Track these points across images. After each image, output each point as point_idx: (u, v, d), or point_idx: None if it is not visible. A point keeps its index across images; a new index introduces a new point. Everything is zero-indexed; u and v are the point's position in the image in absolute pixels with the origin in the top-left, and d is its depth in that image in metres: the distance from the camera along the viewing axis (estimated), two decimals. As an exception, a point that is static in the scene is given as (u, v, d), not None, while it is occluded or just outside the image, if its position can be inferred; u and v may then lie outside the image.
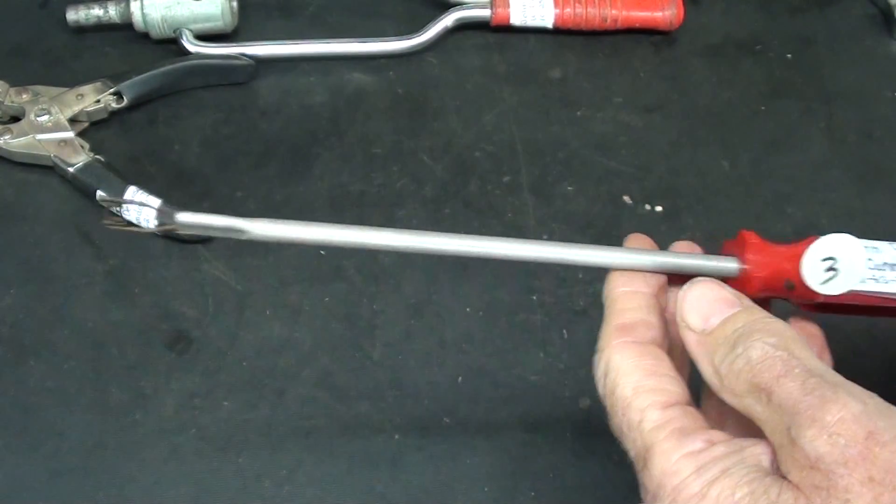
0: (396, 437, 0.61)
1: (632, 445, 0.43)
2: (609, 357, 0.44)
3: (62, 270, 0.68)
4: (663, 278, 0.47)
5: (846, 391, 0.38)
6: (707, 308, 0.44)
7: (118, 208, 0.55)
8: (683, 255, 0.48)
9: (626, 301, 0.46)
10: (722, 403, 0.45)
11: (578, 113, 0.78)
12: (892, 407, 0.38)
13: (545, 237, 0.70)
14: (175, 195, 0.69)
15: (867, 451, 0.37)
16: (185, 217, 0.44)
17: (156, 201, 0.68)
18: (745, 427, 0.45)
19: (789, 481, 0.39)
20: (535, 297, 0.67)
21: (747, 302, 0.44)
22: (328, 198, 0.72)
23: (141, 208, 0.68)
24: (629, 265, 0.47)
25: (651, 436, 0.42)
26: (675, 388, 0.43)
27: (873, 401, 0.38)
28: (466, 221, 0.71)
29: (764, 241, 0.48)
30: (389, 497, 0.59)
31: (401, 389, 0.63)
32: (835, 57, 0.83)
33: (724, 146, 0.77)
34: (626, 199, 0.73)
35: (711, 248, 0.72)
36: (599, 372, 0.45)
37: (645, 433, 0.42)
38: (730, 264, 0.48)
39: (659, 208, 0.72)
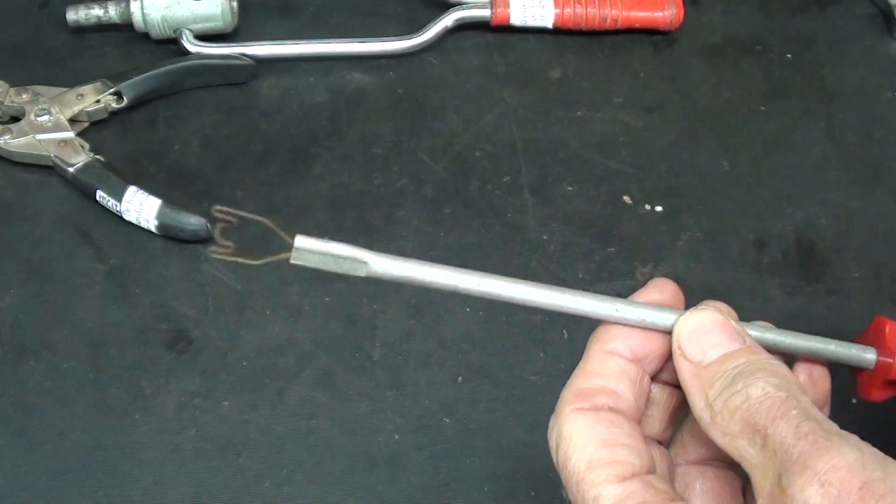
0: (396, 437, 0.61)
1: None
2: (561, 426, 0.41)
3: (62, 270, 0.68)
4: (660, 346, 0.43)
5: (841, 438, 0.36)
6: (707, 339, 0.41)
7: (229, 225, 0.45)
8: (812, 339, 0.45)
9: (597, 363, 0.43)
10: (698, 442, 0.44)
11: (578, 113, 0.78)
12: (888, 458, 0.36)
13: (545, 238, 0.70)
14: (175, 195, 0.69)
15: (861, 503, 0.34)
16: (302, 242, 0.40)
17: (156, 202, 0.68)
18: (716, 475, 0.44)
19: None
20: (535, 297, 0.67)
21: (751, 340, 0.41)
22: (328, 198, 0.72)
23: (141, 208, 0.68)
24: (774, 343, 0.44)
25: None
26: (633, 458, 0.40)
27: (869, 450, 0.36)
28: (466, 221, 0.71)
29: None
30: (389, 497, 0.59)
31: (401, 389, 0.63)
32: (835, 57, 0.83)
33: (724, 146, 0.77)
34: (626, 199, 0.73)
35: (712, 252, 0.72)
36: (552, 441, 0.42)
37: None
38: (867, 355, 0.46)
39: (659, 208, 0.72)
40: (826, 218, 0.72)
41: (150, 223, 0.68)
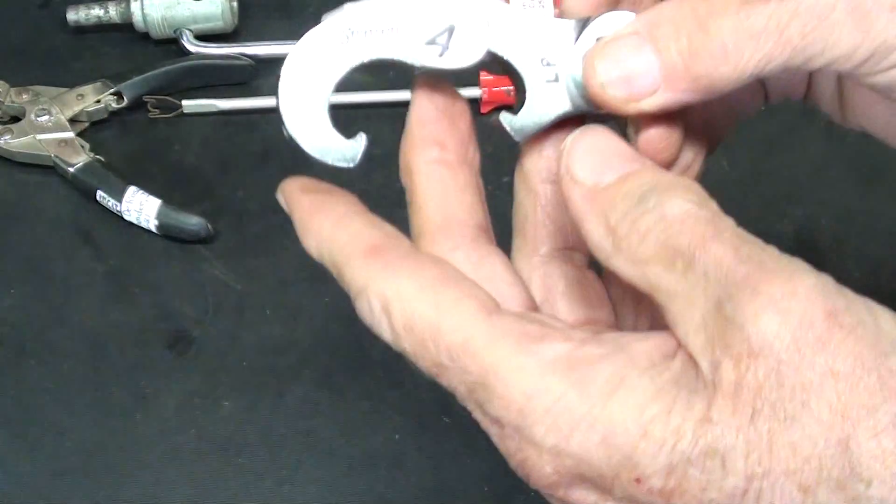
0: (396, 437, 0.61)
1: (460, 378, 0.32)
2: (380, 292, 0.33)
3: (62, 270, 0.68)
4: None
5: (790, 262, 0.30)
6: (602, 160, 0.33)
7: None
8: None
9: (342, 215, 0.37)
10: (551, 232, 0.38)
11: (578, 113, 0.78)
12: (845, 288, 0.31)
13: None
14: (175, 195, 0.69)
15: (828, 335, 0.28)
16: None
17: (156, 201, 0.68)
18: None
19: (714, 385, 0.29)
20: (535, 297, 0.67)
21: (650, 163, 0.34)
22: (328, 198, 0.72)
23: (141, 208, 0.68)
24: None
25: (490, 352, 0.31)
26: (482, 292, 0.33)
27: (826, 276, 0.31)
28: (466, 221, 0.71)
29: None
30: (389, 497, 0.59)
31: (401, 389, 0.63)
32: (835, 57, 0.83)
33: (724, 146, 0.76)
34: (626, 199, 0.73)
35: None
36: (375, 316, 0.34)
37: (479, 352, 0.31)
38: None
39: (659, 208, 0.72)
40: (826, 218, 0.72)
41: (150, 223, 0.68)
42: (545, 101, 0.37)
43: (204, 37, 0.79)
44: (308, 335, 0.65)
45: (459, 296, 0.32)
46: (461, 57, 0.38)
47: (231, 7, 0.79)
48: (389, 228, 0.37)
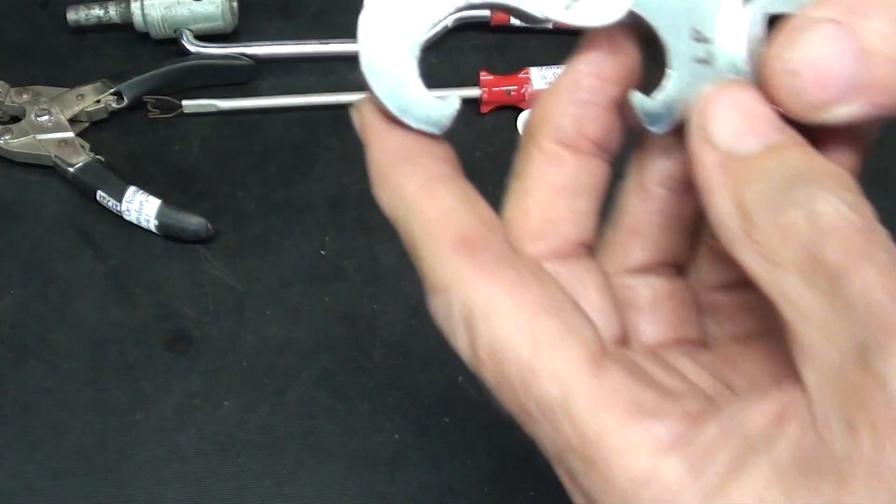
0: (396, 437, 0.61)
1: (552, 435, 0.27)
2: (466, 300, 0.28)
3: (62, 270, 0.68)
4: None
5: None
6: (746, 122, 0.28)
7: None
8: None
9: (447, 198, 0.28)
10: (646, 243, 0.32)
11: (578, 113, 0.78)
12: None
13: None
14: (175, 195, 0.69)
15: None
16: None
17: (156, 201, 0.68)
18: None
19: (848, 459, 0.23)
20: (535, 298, 0.67)
21: (800, 137, 0.28)
22: (328, 198, 0.72)
23: (141, 208, 0.68)
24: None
25: (594, 421, 0.26)
26: (590, 327, 0.27)
27: None
28: (466, 221, 0.71)
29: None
30: (389, 497, 0.59)
31: (401, 389, 0.63)
32: (835, 57, 0.83)
33: (724, 146, 0.76)
34: (626, 199, 0.73)
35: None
36: (453, 324, 0.29)
37: (580, 417, 0.26)
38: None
39: (659, 208, 0.72)
40: (826, 218, 0.72)
41: (150, 223, 0.68)
42: (690, 86, 0.29)
43: (204, 37, 0.79)
44: (308, 335, 0.65)
45: (563, 332, 0.27)
46: (594, 14, 0.29)
47: (231, 7, 0.79)
48: (486, 211, 0.29)
